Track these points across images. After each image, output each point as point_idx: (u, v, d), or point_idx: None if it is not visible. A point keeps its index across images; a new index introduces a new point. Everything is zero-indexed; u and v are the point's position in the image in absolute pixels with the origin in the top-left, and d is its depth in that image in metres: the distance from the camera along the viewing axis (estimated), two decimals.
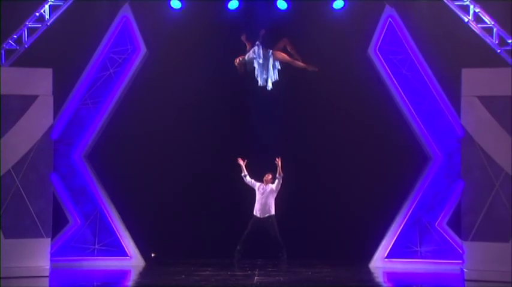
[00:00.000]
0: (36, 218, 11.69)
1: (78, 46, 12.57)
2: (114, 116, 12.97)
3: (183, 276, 11.37)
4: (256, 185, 13.03)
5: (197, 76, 13.28)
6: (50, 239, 11.84)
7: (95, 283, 11.33)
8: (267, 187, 13.01)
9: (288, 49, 11.23)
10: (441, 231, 12.52)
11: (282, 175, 12.84)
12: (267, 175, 13.06)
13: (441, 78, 12.50)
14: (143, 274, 12.13)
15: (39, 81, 11.79)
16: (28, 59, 12.17)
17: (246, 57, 11.65)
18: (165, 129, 13.35)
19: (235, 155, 13.26)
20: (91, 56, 12.74)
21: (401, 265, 12.45)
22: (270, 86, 11.40)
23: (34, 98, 11.78)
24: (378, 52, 12.82)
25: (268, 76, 11.41)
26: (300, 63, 11.35)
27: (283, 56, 11.26)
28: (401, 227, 12.59)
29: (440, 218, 12.52)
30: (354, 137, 13.32)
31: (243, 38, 11.71)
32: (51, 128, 11.93)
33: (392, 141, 13.07)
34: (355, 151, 13.34)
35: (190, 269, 11.98)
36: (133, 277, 11.96)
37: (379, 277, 11.83)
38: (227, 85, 13.22)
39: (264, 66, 11.35)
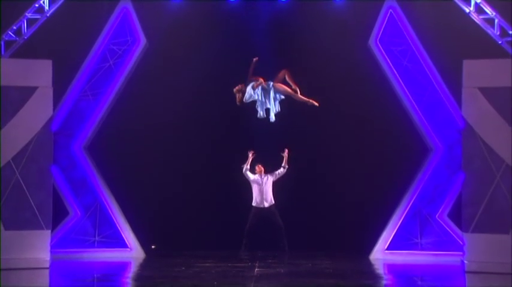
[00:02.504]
0: (36, 210, 11.68)
1: (78, 37, 12.53)
2: (114, 108, 12.95)
3: (183, 268, 11.37)
4: (251, 177, 13.00)
5: (198, 68, 13.24)
6: (50, 231, 11.84)
7: (95, 275, 11.33)
8: (264, 177, 12.98)
9: (286, 79, 11.15)
10: (442, 223, 12.51)
11: (287, 167, 12.82)
12: (258, 166, 13.01)
13: (442, 69, 12.47)
14: (143, 265, 12.13)
15: (39, 73, 11.76)
16: (27, 50, 12.15)
17: (246, 94, 11.29)
18: (166, 121, 13.32)
19: (236, 148, 13.24)
20: (91, 48, 12.71)
21: (401, 257, 12.45)
22: (272, 117, 11.22)
23: (34, 89, 11.76)
24: (378, 43, 12.78)
25: (270, 107, 11.24)
26: (301, 97, 11.27)
27: (284, 88, 11.14)
28: (401, 219, 12.59)
29: (440, 210, 12.52)
30: (354, 129, 13.30)
31: (254, 61, 11.20)
32: (51, 119, 11.91)
33: (393, 133, 13.05)
34: (356, 143, 13.31)
35: (190, 261, 11.98)
36: (133, 269, 11.96)
37: (380, 269, 11.83)
38: (228, 77, 13.00)
39: (266, 98, 11.23)
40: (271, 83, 11.14)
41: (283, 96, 11.18)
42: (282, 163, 12.91)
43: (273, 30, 13.35)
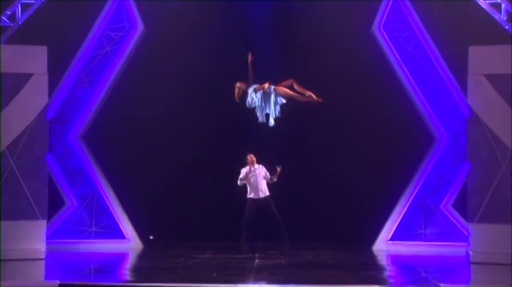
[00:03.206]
0: (31, 200, 11.62)
1: (74, 23, 12.43)
2: (111, 96, 12.87)
3: (182, 259, 11.33)
4: (244, 172, 12.92)
5: (197, 54, 13.14)
6: (45, 221, 11.78)
7: (91, 266, 11.28)
8: (257, 170, 12.91)
9: (296, 88, 11.00)
10: (446, 213, 12.47)
11: (275, 180, 12.92)
12: (250, 156, 12.93)
13: (447, 56, 12.38)
14: (141, 256, 12.09)
15: (34, 59, 11.66)
16: (22, 36, 12.02)
17: (248, 97, 11.26)
18: (164, 109, 13.23)
19: (236, 137, 13.18)
20: (87, 33, 12.63)
21: (405, 248, 12.42)
22: (272, 122, 11.18)
23: (28, 76, 11.68)
24: (382, 29, 12.69)
25: (270, 112, 11.16)
26: (304, 97, 11.10)
27: (285, 91, 11.08)
28: (405, 209, 12.56)
29: (445, 200, 12.48)
30: (356, 117, 13.22)
31: (249, 58, 11.22)
32: (46, 107, 11.82)
33: (397, 122, 12.97)
34: (358, 132, 13.24)
35: (189, 252, 11.94)
36: (131, 260, 11.92)
37: (383, 260, 11.79)
38: (228, 64, 13.05)
39: (266, 102, 11.15)
40: (272, 87, 11.05)
41: (284, 100, 11.10)
42: (272, 174, 12.90)
43: (274, 16, 13.28)
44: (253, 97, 11.07)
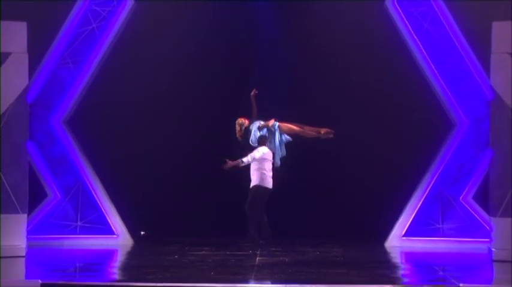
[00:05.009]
0: (10, 192, 11.54)
1: None
2: (97, 77, 12.80)
3: (176, 256, 11.31)
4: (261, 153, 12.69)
5: (192, 32, 13.16)
6: (26, 215, 11.73)
7: (77, 264, 11.23)
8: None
9: (306, 130, 11.60)
10: (466, 206, 12.44)
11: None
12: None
13: (468, 32, 12.30)
14: (131, 254, 12.08)
15: (12, 37, 11.55)
16: None
17: (252, 135, 11.67)
18: (155, 93, 13.24)
19: (234, 121, 13.11)
20: (71, 8, 12.54)
21: (421, 244, 12.40)
22: (278, 162, 11.50)
23: (6, 55, 11.57)
24: (396, 4, 12.62)
25: (276, 152, 11.46)
26: (311, 133, 11.46)
27: (290, 128, 11.47)
28: (421, 202, 12.52)
29: (465, 192, 12.44)
30: (368, 101, 13.20)
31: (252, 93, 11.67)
32: (26, 89, 11.74)
33: (412, 106, 12.95)
34: (370, 117, 13.24)
35: (184, 248, 11.94)
36: (120, 258, 11.91)
37: (396, 258, 11.77)
38: (226, 42, 13.14)
39: (271, 140, 11.50)
40: (277, 124, 11.43)
41: (290, 138, 11.53)
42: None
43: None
44: (257, 135, 11.50)
